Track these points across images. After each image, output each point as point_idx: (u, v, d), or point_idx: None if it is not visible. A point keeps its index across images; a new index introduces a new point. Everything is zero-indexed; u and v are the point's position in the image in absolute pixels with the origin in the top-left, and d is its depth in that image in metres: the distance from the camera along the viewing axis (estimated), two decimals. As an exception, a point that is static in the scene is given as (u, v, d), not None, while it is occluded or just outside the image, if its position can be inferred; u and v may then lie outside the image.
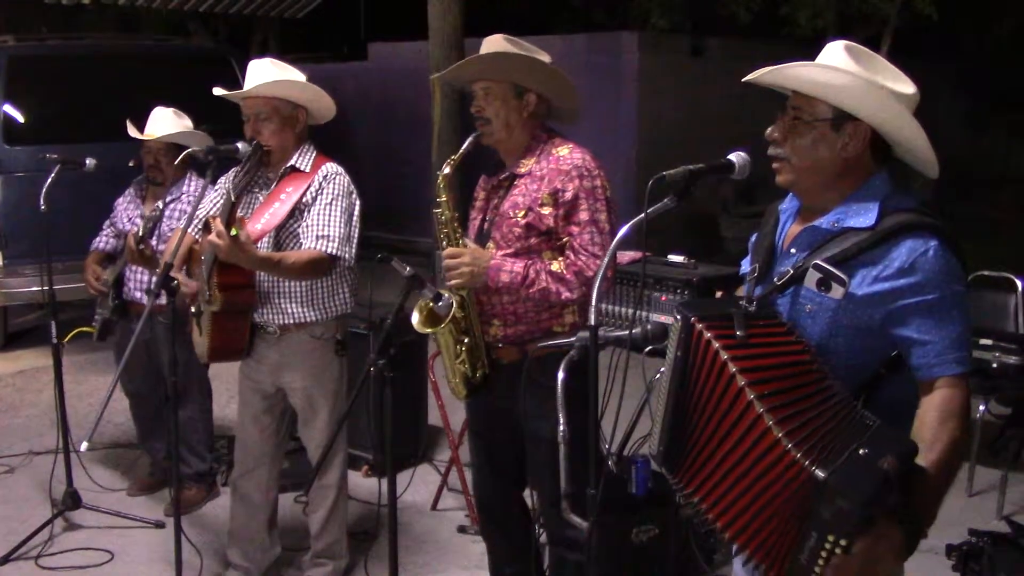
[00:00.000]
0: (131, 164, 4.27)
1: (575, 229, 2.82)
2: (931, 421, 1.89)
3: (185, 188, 4.33)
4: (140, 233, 3.77)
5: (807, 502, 1.78)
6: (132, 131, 4.36)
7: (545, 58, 2.92)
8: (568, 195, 2.82)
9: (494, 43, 2.91)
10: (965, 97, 14.58)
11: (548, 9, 13.96)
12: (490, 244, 2.94)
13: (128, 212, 4.43)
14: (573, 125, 3.06)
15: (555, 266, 2.82)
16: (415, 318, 2.92)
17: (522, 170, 2.92)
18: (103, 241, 4.51)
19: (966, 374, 1.92)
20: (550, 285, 2.80)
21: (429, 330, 2.92)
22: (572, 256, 2.82)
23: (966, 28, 12.51)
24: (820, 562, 1.77)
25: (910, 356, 1.94)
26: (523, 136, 2.94)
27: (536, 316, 2.90)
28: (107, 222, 4.54)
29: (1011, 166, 14.93)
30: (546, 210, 2.84)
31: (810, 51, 2.07)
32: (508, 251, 2.88)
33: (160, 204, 3.98)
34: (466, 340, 2.92)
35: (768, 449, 1.82)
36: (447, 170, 2.91)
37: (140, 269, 4.29)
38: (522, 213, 2.86)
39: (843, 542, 1.74)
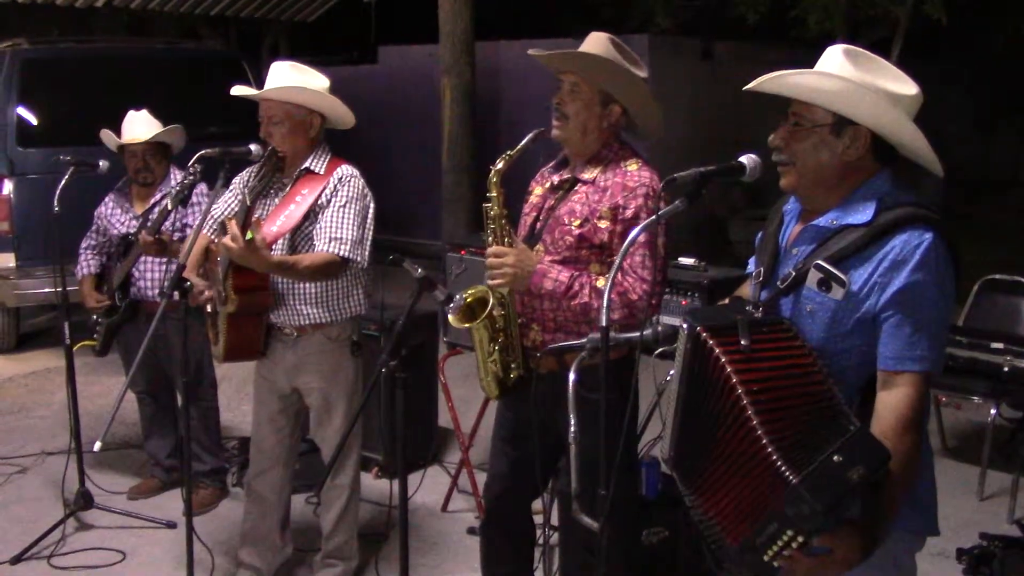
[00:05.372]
0: (100, 166, 4.28)
1: (629, 249, 2.69)
2: (890, 427, 1.91)
3: (173, 183, 4.39)
4: (152, 227, 3.91)
5: (780, 499, 1.82)
6: (110, 138, 4.40)
7: (643, 73, 2.83)
8: (629, 213, 2.74)
9: (600, 41, 2.80)
10: (976, 100, 14.54)
11: (557, 10, 13.98)
12: (539, 247, 2.87)
13: (117, 217, 4.46)
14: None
15: (600, 282, 2.73)
16: (451, 313, 2.88)
17: (586, 176, 2.85)
18: (88, 266, 4.52)
19: (927, 373, 1.93)
20: (592, 301, 2.71)
21: (465, 324, 2.86)
22: (619, 276, 2.71)
23: (977, 31, 12.47)
24: (773, 549, 1.82)
25: (879, 344, 1.95)
26: (596, 143, 2.86)
27: (576, 327, 2.81)
28: (84, 243, 4.55)
29: (1021, 169, 14.88)
30: (603, 224, 2.77)
31: (819, 55, 2.08)
32: (556, 258, 2.82)
33: (167, 203, 3.99)
34: (500, 338, 2.87)
35: (761, 458, 1.85)
36: (500, 165, 2.82)
37: (150, 268, 4.32)
38: (578, 223, 2.79)
39: (800, 539, 1.79)
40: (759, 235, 2.28)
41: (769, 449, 1.81)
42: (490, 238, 2.84)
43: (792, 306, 2.05)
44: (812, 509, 1.75)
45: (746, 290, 2.31)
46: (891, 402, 1.93)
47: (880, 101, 1.96)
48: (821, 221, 2.04)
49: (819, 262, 1.98)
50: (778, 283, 2.07)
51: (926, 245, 1.91)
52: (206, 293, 3.35)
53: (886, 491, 1.87)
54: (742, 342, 1.91)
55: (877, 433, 1.91)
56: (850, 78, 1.96)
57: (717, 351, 1.91)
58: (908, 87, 2.00)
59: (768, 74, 2.01)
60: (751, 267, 2.29)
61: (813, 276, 1.98)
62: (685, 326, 2.00)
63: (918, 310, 1.91)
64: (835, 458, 1.77)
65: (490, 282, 2.81)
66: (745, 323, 1.93)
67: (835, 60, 2.01)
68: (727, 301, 2.27)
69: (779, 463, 1.80)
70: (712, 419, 1.95)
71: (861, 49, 2.03)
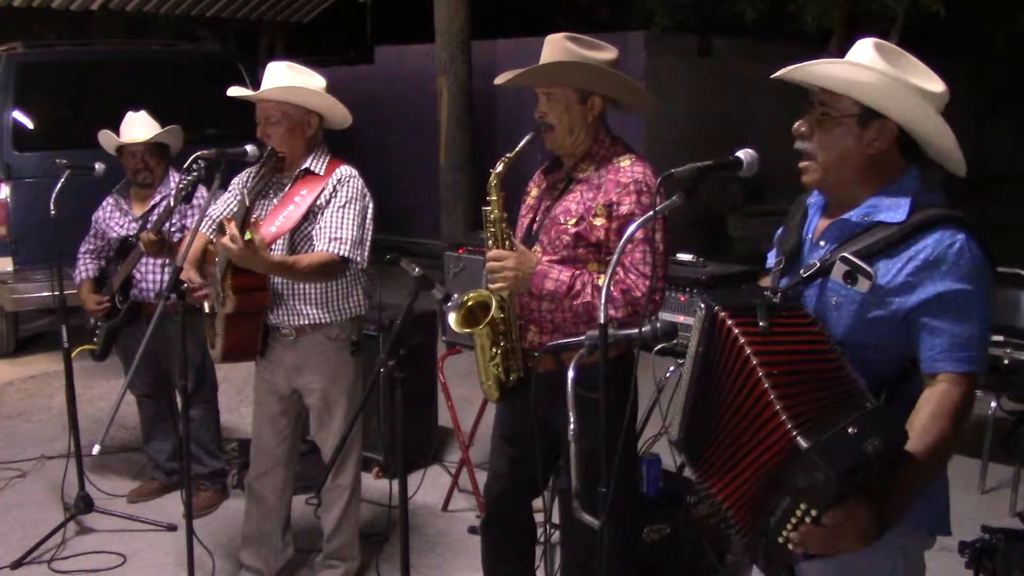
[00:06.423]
0: (96, 169, 4.28)
1: (628, 246, 2.70)
2: (923, 416, 1.90)
3: (172, 184, 4.39)
4: (155, 225, 3.95)
5: (789, 468, 1.80)
6: (109, 139, 4.39)
7: (609, 55, 2.80)
8: (623, 209, 2.73)
9: (556, 44, 2.81)
10: (974, 94, 14.53)
11: (554, 9, 13.97)
12: (536, 247, 2.87)
13: (116, 220, 4.46)
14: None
15: (602, 281, 2.68)
16: (452, 318, 2.86)
17: (580, 175, 2.85)
18: (86, 270, 4.52)
19: (972, 374, 1.92)
20: (595, 300, 2.69)
21: (467, 330, 2.85)
22: (622, 273, 2.72)
23: (975, 25, 12.47)
24: (788, 526, 1.80)
25: (920, 347, 1.94)
26: (586, 140, 2.85)
27: (574, 327, 2.80)
28: (83, 248, 4.54)
29: (1020, 163, 14.87)
30: (598, 221, 2.76)
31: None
32: (554, 258, 2.81)
33: (171, 200, 4.00)
34: (502, 343, 2.86)
35: (773, 430, 1.83)
36: (500, 168, 2.81)
37: (151, 270, 4.31)
38: (573, 221, 2.79)
39: (813, 512, 1.77)
40: (780, 229, 2.27)
41: (788, 425, 1.79)
42: (490, 241, 2.83)
43: (817, 298, 2.05)
44: (826, 476, 1.72)
45: (766, 283, 2.30)
46: (930, 396, 1.92)
47: (911, 96, 1.96)
48: (852, 216, 2.03)
49: (845, 255, 1.97)
50: (801, 272, 2.06)
51: (959, 246, 1.91)
52: (203, 291, 3.34)
53: (904, 472, 1.84)
54: (760, 324, 1.90)
55: (911, 420, 1.89)
56: (883, 71, 1.95)
57: (736, 331, 1.90)
58: (936, 84, 2.00)
59: (792, 64, 2.00)
60: (771, 262, 2.27)
61: (839, 268, 1.97)
62: (703, 306, 1.98)
63: (960, 313, 1.91)
64: (850, 430, 1.76)
65: (491, 286, 2.80)
66: (764, 306, 1.92)
67: (865, 53, 2.00)
68: (744, 288, 2.26)
69: (793, 432, 1.78)
70: (726, 399, 1.93)
71: (891, 44, 2.03)
